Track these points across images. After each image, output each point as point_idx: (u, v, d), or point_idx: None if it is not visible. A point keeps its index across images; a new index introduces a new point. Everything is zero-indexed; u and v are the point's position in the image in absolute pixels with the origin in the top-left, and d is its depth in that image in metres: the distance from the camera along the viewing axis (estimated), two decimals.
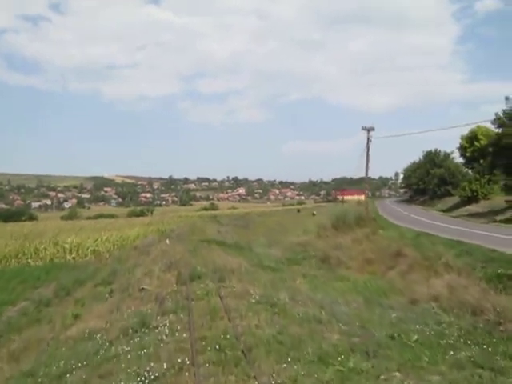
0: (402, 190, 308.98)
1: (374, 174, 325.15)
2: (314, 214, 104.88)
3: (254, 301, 15.63)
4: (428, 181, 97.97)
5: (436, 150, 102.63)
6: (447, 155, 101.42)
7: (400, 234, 38.15)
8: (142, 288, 19.76)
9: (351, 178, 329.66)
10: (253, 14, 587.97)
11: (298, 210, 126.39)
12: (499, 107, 55.26)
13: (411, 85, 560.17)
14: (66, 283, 28.42)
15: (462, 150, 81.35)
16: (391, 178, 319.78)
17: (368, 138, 44.94)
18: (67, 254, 41.81)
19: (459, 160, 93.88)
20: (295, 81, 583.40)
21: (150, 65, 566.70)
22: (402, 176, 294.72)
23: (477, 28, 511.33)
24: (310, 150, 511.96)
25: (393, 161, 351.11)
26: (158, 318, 14.16)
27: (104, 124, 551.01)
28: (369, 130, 45.05)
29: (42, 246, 42.84)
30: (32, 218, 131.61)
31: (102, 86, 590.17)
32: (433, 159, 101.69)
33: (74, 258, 41.06)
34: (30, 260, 41.05)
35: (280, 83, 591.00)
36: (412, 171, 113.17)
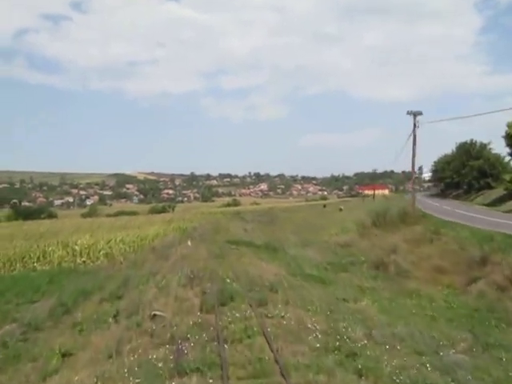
0: (426, 185, 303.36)
1: (397, 168, 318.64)
2: (340, 210, 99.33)
3: (317, 343, 10.26)
4: (464, 173, 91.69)
5: (472, 140, 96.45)
6: (483, 146, 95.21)
7: (472, 235, 31.98)
8: (154, 314, 14.41)
9: (374, 172, 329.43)
10: (271, 8, 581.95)
11: (324, 206, 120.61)
12: None
13: (431, 77, 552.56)
14: (68, 297, 23.33)
15: (509, 138, 73.11)
16: (414, 173, 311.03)
17: (414, 124, 39.32)
18: (77, 257, 36.72)
19: (497, 151, 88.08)
20: (314, 74, 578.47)
21: (171, 62, 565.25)
22: (425, 170, 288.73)
23: (500, 18, 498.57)
24: (331, 144, 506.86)
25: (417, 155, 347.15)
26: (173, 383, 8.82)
27: (126, 121, 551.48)
28: (415, 114, 39.34)
29: (50, 249, 37.85)
30: (52, 215, 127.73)
31: (123, 83, 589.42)
32: (468, 151, 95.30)
33: (84, 262, 36.02)
34: (36, 264, 36.22)
35: (299, 77, 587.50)
36: (445, 164, 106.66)
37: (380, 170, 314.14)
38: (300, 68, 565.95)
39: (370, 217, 47.73)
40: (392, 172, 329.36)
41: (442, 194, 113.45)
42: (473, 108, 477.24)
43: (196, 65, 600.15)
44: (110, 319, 16.43)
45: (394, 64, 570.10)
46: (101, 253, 37.01)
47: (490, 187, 79.03)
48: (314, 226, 65.47)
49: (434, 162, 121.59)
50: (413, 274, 23.96)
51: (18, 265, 36.17)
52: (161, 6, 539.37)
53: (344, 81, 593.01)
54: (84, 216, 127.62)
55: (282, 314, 12.89)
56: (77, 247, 37.75)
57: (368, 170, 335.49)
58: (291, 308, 13.87)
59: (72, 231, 62.31)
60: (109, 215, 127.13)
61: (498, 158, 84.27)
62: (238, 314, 12.96)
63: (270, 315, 12.91)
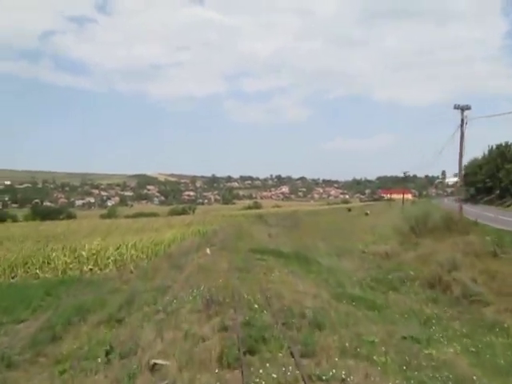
0: (449, 190, 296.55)
1: (420, 172, 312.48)
2: (367, 214, 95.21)
3: None
4: (499, 177, 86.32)
5: (507, 143, 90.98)
6: None
7: None
8: (155, 363, 10.12)
9: (397, 177, 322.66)
10: (294, 12, 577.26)
11: (349, 210, 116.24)
12: None
13: (456, 79, 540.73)
14: (59, 317, 19.20)
15: None
16: (438, 177, 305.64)
17: (462, 120, 34.67)
18: (84, 263, 32.63)
19: None
20: (337, 78, 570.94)
21: (194, 64, 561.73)
22: (448, 175, 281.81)
23: None
24: (352, 147, 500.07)
25: (439, 159, 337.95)
26: None
27: (148, 123, 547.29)
28: (463, 108, 34.72)
29: (54, 254, 33.85)
30: (71, 216, 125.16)
31: (147, 86, 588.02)
32: (503, 153, 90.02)
33: (91, 270, 31.88)
34: (38, 271, 32.21)
35: (321, 81, 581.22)
36: (476, 167, 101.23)
37: (410, 172, 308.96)
38: (322, 71, 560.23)
39: (407, 223, 43.16)
40: (415, 176, 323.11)
41: (472, 199, 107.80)
42: (500, 111, 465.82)
43: (219, 67, 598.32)
44: (101, 358, 12.11)
45: (417, 67, 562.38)
46: (110, 260, 32.77)
47: None
48: (342, 231, 61.01)
49: (465, 166, 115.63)
50: (485, 297, 19.35)
51: (19, 271, 32.27)
52: (184, 9, 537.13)
53: (366, 84, 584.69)
54: (103, 217, 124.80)
55: (343, 375, 8.48)
56: (84, 253, 33.62)
57: (391, 173, 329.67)
58: (351, 360, 9.46)
59: (86, 234, 58.78)
60: (128, 216, 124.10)
61: None
62: (274, 374, 8.58)
63: (323, 376, 8.52)
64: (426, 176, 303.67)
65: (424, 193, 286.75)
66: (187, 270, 24.64)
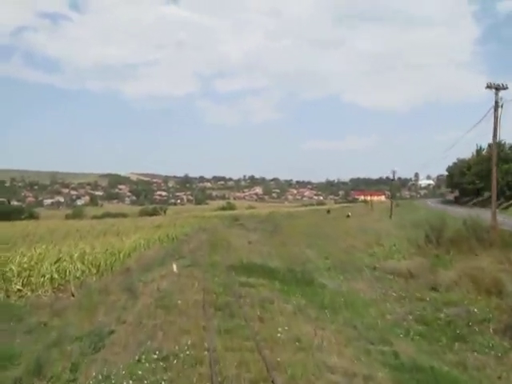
0: (422, 192, 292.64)
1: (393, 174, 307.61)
2: (348, 216, 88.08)
3: None
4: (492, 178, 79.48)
5: (500, 142, 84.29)
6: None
7: None
8: None
9: (369, 178, 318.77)
10: (268, 13, 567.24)
11: (328, 211, 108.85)
12: None
13: (427, 84, 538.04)
14: None
15: None
16: (410, 179, 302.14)
17: (496, 102, 27.45)
18: (12, 282, 24.31)
19: None
20: (310, 80, 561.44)
21: (167, 64, 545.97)
22: (421, 177, 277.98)
23: (498, 28, 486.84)
24: (326, 149, 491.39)
25: (410, 161, 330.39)
26: None
27: (121, 122, 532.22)
28: (497, 88, 27.50)
29: None
30: (33, 216, 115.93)
31: (120, 84, 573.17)
32: (496, 153, 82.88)
33: (20, 291, 23.57)
34: None
35: (295, 82, 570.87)
36: (464, 168, 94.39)
37: (385, 174, 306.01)
38: (296, 73, 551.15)
39: (413, 229, 35.89)
40: (387, 178, 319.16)
41: (457, 202, 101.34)
42: (468, 116, 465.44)
43: (192, 67, 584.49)
44: None
45: (390, 70, 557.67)
46: (46, 277, 24.55)
47: None
48: (328, 236, 53.51)
49: (448, 167, 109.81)
50: None
51: None
52: (159, 7, 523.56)
53: (339, 86, 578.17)
54: (68, 217, 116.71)
55: None
56: (14, 268, 25.36)
57: (363, 175, 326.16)
58: None
59: (37, 238, 50.48)
60: (95, 217, 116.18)
61: None
62: None
63: None
64: (399, 178, 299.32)
65: (397, 194, 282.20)
66: (142, 300, 16.88)
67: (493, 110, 27.54)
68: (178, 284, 18.63)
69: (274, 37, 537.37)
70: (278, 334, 11.31)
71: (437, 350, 12.72)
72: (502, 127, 28.60)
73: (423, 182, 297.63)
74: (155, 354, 10.33)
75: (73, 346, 13.00)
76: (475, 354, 12.49)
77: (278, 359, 9.57)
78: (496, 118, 27.23)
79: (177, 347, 10.55)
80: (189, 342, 10.69)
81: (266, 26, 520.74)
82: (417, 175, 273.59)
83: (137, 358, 10.32)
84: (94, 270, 27.47)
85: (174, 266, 22.52)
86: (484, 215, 35.41)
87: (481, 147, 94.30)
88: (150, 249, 37.81)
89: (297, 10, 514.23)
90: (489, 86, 27.71)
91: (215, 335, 11.32)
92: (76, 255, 28.49)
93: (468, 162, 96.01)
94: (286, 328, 12.03)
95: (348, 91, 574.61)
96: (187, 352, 10.14)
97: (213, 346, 10.41)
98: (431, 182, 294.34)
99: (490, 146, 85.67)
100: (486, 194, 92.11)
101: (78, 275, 25.67)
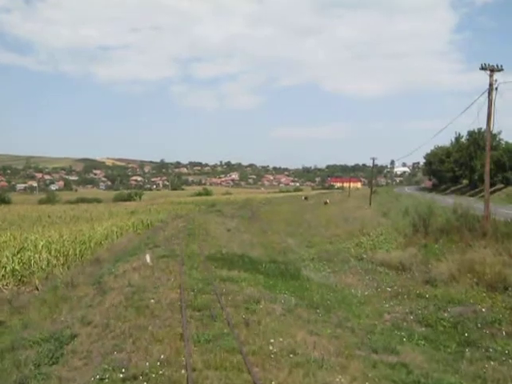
0: (398, 179, 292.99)
1: (370, 162, 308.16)
2: (326, 203, 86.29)
3: None
4: (472, 166, 78.33)
5: (480, 129, 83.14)
6: (493, 136, 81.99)
7: None
8: None
9: (346, 165, 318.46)
10: None
11: (306, 198, 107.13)
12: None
13: (405, 72, 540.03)
14: None
15: None
16: (386, 167, 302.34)
17: (491, 85, 25.59)
18: None
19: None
20: (289, 66, 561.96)
21: (144, 47, 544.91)
22: (397, 164, 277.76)
23: (474, 17, 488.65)
24: (303, 135, 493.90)
25: (387, 149, 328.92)
26: None
27: (96, 106, 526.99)
28: (492, 69, 25.66)
29: None
30: (4, 201, 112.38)
31: (95, 67, 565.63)
32: (476, 141, 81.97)
33: None
34: None
35: (274, 68, 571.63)
36: (443, 155, 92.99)
37: (361, 161, 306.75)
38: (275, 59, 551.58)
39: (398, 218, 34.09)
40: (364, 165, 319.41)
41: (435, 189, 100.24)
42: (446, 104, 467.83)
43: (170, 51, 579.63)
44: None
45: (368, 58, 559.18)
46: (7, 268, 22.37)
47: (508, 182, 66.10)
48: (309, 224, 51.86)
49: (427, 154, 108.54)
50: None
51: None
52: None
53: (318, 74, 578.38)
54: (41, 202, 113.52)
55: None
56: None
57: (340, 162, 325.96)
58: None
59: (5, 225, 47.93)
60: (69, 202, 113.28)
61: None
62: None
63: None
64: (375, 165, 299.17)
65: (373, 181, 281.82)
66: (110, 297, 14.94)
67: (486, 93, 25.80)
68: (152, 278, 16.72)
69: (254, 23, 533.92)
70: (269, 346, 9.46)
71: (447, 358, 10.94)
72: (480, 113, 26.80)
73: (399, 170, 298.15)
74: (121, 371, 8.46)
75: (28, 353, 11.10)
76: (491, 362, 10.77)
77: (273, 382, 7.76)
78: (490, 101, 25.49)
79: (147, 363, 8.69)
80: (162, 357, 8.82)
81: (247, 12, 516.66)
82: (393, 162, 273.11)
83: (98, 376, 8.44)
84: (61, 260, 25.32)
85: (148, 257, 20.59)
86: (466, 203, 33.85)
87: (459, 134, 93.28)
88: (124, 236, 35.79)
89: None
90: (483, 68, 25.93)
91: (194, 346, 9.46)
92: (42, 243, 26.33)
93: (447, 149, 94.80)
94: (277, 335, 10.21)
95: (327, 78, 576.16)
96: (160, 371, 8.29)
97: (191, 362, 8.56)
98: (407, 169, 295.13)
99: (469, 133, 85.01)
100: (465, 182, 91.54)
101: (43, 266, 23.50)
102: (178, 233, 32.90)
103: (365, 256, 25.08)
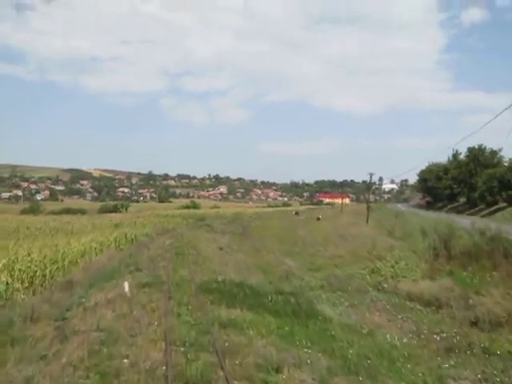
0: (386, 196, 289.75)
1: (358, 178, 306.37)
2: (318, 219, 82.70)
3: None
4: (473, 183, 74.74)
5: (480, 146, 79.93)
6: (494, 153, 78.94)
7: None
8: None
9: (334, 181, 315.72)
10: (239, 12, 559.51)
11: (296, 213, 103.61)
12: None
13: (393, 89, 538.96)
14: None
15: None
16: (375, 183, 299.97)
17: None
18: None
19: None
20: (279, 81, 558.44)
21: (134, 60, 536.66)
22: (385, 181, 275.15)
23: (462, 38, 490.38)
24: (291, 150, 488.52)
25: (375, 166, 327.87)
26: None
27: (85, 116, 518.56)
28: None
29: None
30: None
31: (85, 78, 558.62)
32: (476, 157, 78.63)
33: None
34: None
35: (263, 83, 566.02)
36: (441, 172, 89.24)
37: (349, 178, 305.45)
38: (264, 74, 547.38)
39: (419, 241, 30.00)
40: (352, 181, 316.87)
41: (430, 207, 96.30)
42: (434, 123, 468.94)
43: (160, 64, 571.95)
44: None
45: (358, 75, 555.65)
46: None
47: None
48: (305, 242, 47.88)
49: (421, 171, 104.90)
50: None
51: None
52: (128, 2, 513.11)
53: (307, 89, 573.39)
54: (24, 212, 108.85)
55: None
56: None
57: (328, 177, 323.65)
58: None
59: None
60: (53, 213, 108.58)
61: None
62: None
63: None
64: (363, 181, 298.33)
65: (361, 197, 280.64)
66: (71, 347, 10.88)
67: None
68: (129, 319, 12.61)
69: (244, 37, 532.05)
70: None
71: None
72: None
73: (387, 187, 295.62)
74: None
75: None
76: None
77: None
78: None
79: None
80: None
81: (237, 26, 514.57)
82: (381, 179, 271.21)
83: None
84: (26, 284, 21.11)
85: (126, 286, 16.45)
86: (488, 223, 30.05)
87: (457, 151, 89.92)
88: (104, 254, 31.57)
89: (269, 10, 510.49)
90: None
91: None
92: (3, 262, 22.03)
93: (444, 166, 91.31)
94: None
95: (316, 94, 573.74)
96: None
97: None
98: (395, 186, 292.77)
99: (469, 150, 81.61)
100: (462, 200, 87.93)
101: (1, 291, 19.25)
102: (164, 252, 28.76)
103: (385, 286, 21.07)
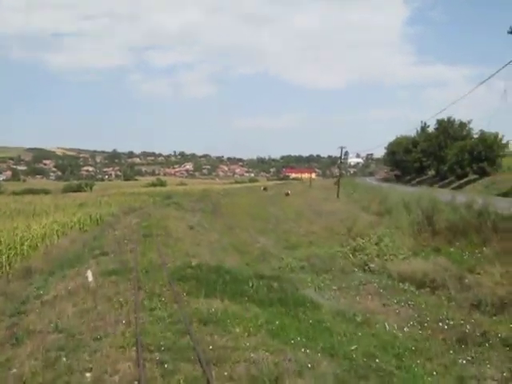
0: (351, 170, 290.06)
1: (324, 152, 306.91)
2: (287, 194, 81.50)
3: None
4: (443, 156, 73.68)
5: (449, 118, 78.91)
6: (463, 125, 77.96)
7: None
8: None
9: (300, 156, 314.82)
10: None
11: (265, 189, 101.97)
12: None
13: (360, 64, 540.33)
14: None
15: None
16: (341, 157, 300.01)
17: None
18: None
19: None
20: (245, 56, 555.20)
21: (98, 35, 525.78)
22: (351, 155, 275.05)
23: (425, 11, 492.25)
24: (258, 125, 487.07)
25: (340, 141, 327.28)
26: None
27: (48, 94, 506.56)
28: None
29: None
30: None
31: (47, 55, 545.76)
32: (446, 130, 77.57)
33: None
34: None
35: (229, 58, 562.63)
36: (410, 145, 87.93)
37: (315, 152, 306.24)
38: (231, 48, 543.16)
39: (403, 217, 28.31)
40: (318, 156, 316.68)
41: (399, 180, 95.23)
42: (395, 97, 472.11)
43: (124, 39, 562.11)
44: None
45: (324, 49, 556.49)
46: None
47: (484, 173, 61.58)
48: (276, 218, 46.47)
49: (390, 144, 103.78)
50: None
51: None
52: None
53: (274, 63, 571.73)
54: None
55: None
56: None
57: (294, 153, 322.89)
58: None
59: None
60: (15, 193, 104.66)
61: (495, 138, 65.67)
62: None
63: None
64: (329, 156, 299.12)
65: (327, 172, 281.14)
66: (23, 354, 9.09)
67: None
68: (93, 316, 10.78)
69: (210, 10, 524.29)
70: None
71: None
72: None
73: (352, 161, 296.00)
74: None
75: None
76: None
77: None
78: None
79: None
80: None
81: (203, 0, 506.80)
82: (346, 153, 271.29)
83: None
84: None
85: (90, 275, 14.52)
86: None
87: (425, 124, 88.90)
88: (66, 237, 29.44)
89: None
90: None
91: None
92: None
93: (413, 139, 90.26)
94: None
95: (283, 68, 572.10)
96: None
97: None
98: (360, 160, 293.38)
99: (439, 122, 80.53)
100: (431, 173, 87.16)
101: None
102: (131, 232, 26.72)
103: (372, 265, 19.50)
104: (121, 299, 11.91)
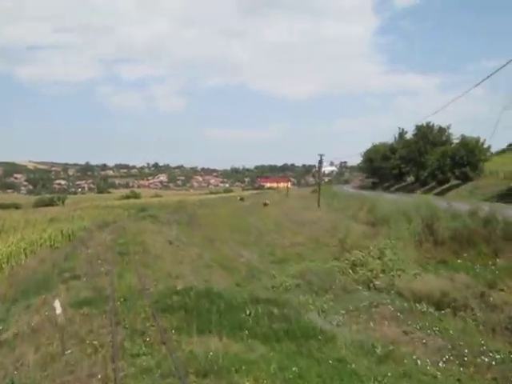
0: (326, 178, 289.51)
1: (298, 162, 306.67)
2: (266, 205, 79.43)
3: None
4: (423, 162, 72.09)
5: (428, 123, 77.40)
6: (442, 130, 76.55)
7: None
8: None
9: (275, 166, 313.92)
10: None
11: (241, 199, 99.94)
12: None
13: (330, 74, 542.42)
14: None
15: None
16: (314, 166, 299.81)
17: None
18: None
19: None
20: (217, 68, 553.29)
21: (70, 48, 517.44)
22: (325, 164, 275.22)
23: (395, 21, 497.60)
24: (231, 136, 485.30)
25: (314, 150, 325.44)
26: None
27: (18, 107, 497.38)
28: None
29: None
30: None
31: (17, 67, 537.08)
32: (425, 135, 76.05)
33: None
34: None
35: (202, 70, 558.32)
36: (388, 152, 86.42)
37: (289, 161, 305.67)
38: (202, 60, 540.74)
39: (396, 226, 26.21)
40: (293, 165, 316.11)
41: (378, 187, 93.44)
42: (367, 105, 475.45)
43: (96, 52, 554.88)
44: None
45: (295, 60, 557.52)
46: None
47: (467, 178, 60.10)
48: (258, 229, 44.35)
49: (367, 151, 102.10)
50: None
51: None
52: None
53: (246, 75, 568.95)
54: None
55: None
56: None
57: (268, 162, 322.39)
58: None
59: None
60: None
61: (477, 143, 64.11)
62: None
63: None
64: (304, 165, 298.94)
65: (302, 181, 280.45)
66: None
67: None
68: (58, 368, 8.45)
69: (181, 23, 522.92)
70: None
71: None
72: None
73: (327, 169, 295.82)
74: None
75: None
76: None
77: None
78: None
79: None
80: None
81: (174, 13, 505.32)
82: (321, 161, 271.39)
83: None
84: None
85: (58, 305, 12.10)
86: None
87: (403, 130, 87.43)
88: (35, 256, 26.92)
89: None
90: None
91: None
92: None
93: (391, 145, 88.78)
94: None
95: (255, 80, 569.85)
96: None
97: None
98: (334, 168, 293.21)
99: (418, 128, 79.13)
100: (410, 179, 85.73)
101: None
102: (105, 250, 24.32)
103: (378, 283, 17.39)
104: (95, 341, 9.60)
